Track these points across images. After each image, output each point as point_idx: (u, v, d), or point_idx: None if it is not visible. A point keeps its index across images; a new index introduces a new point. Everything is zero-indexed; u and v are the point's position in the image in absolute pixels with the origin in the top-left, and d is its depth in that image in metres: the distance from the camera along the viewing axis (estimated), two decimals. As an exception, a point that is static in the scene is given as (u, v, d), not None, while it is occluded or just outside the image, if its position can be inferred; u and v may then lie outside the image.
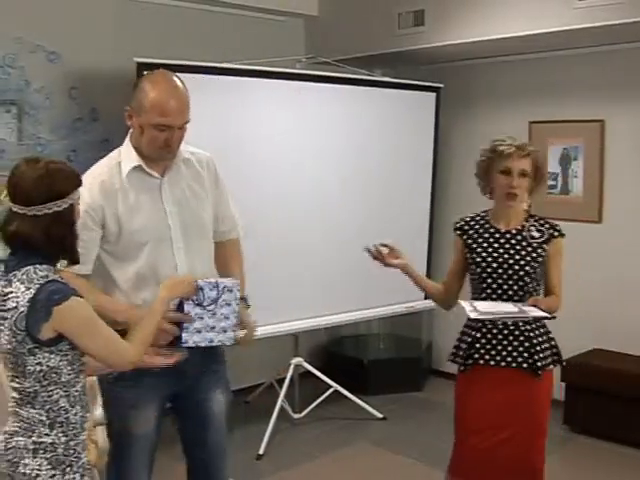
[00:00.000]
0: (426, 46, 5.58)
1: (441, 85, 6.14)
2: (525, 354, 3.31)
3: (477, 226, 3.46)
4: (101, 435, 3.70)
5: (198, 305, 2.84)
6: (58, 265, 2.70)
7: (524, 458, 3.35)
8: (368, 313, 5.90)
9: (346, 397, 5.79)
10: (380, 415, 5.76)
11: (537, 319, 3.26)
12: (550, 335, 3.42)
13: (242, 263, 3.23)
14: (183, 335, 2.85)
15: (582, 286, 5.73)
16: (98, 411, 3.71)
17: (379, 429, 5.62)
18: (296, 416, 5.67)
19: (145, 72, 4.53)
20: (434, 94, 6.14)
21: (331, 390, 5.75)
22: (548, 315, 3.18)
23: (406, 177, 5.95)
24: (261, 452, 5.09)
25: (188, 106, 2.87)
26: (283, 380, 5.56)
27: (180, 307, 2.85)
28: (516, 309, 3.20)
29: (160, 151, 2.86)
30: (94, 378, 3.98)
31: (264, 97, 5.20)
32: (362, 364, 6.40)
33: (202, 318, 2.86)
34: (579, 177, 5.73)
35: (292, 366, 5.66)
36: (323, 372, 5.85)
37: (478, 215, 3.51)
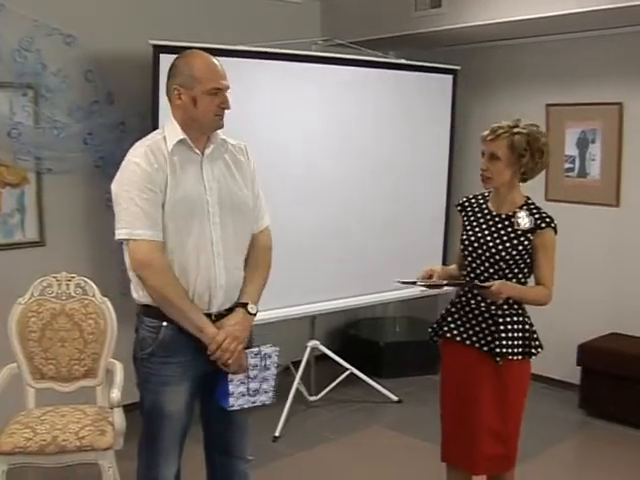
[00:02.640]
0: (443, 28, 5.54)
1: (458, 67, 6.10)
2: (488, 337, 3.32)
3: (475, 205, 3.50)
4: (118, 417, 3.74)
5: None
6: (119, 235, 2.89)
7: (495, 438, 3.38)
8: (384, 296, 5.90)
9: (362, 380, 5.81)
10: (396, 398, 5.78)
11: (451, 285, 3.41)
12: (526, 326, 3.36)
13: (267, 268, 3.23)
14: (230, 400, 3.04)
15: (599, 270, 5.72)
16: (114, 393, 3.75)
17: (394, 412, 5.64)
18: (312, 398, 5.69)
19: (161, 54, 4.58)
20: (451, 76, 6.11)
21: (347, 373, 5.77)
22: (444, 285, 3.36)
23: (423, 160, 5.92)
24: (277, 434, 5.11)
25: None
26: (299, 362, 5.58)
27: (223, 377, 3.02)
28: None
29: (215, 118, 2.98)
30: (114, 362, 4.02)
31: (280, 80, 5.18)
32: (378, 347, 6.41)
33: (244, 383, 3.05)
34: (597, 160, 5.69)
35: (308, 348, 5.67)
36: (339, 355, 5.87)
37: (480, 194, 3.54)
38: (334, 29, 6.03)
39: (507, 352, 3.28)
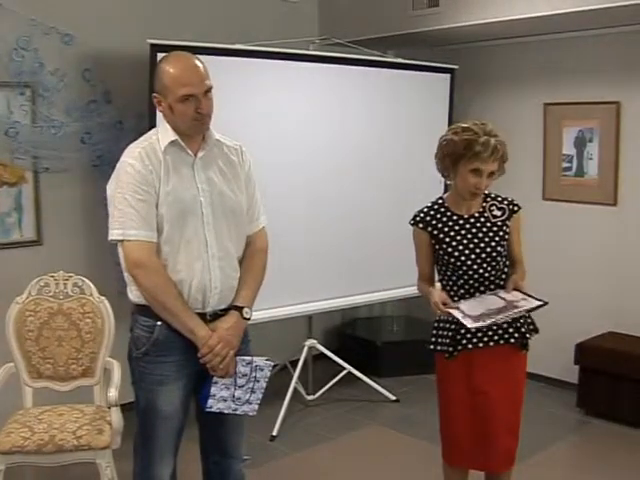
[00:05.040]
0: (440, 27, 5.53)
1: (456, 66, 6.09)
2: (510, 329, 3.36)
3: (438, 215, 3.42)
4: (115, 416, 3.74)
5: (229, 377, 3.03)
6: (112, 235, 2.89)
7: (509, 431, 3.42)
8: (382, 295, 5.90)
9: (359, 379, 5.81)
10: (393, 397, 5.78)
11: (531, 310, 3.28)
12: None
13: (262, 270, 3.22)
14: (209, 401, 3.03)
15: (596, 269, 5.72)
16: (112, 392, 3.75)
17: (392, 411, 5.64)
18: (309, 398, 5.69)
19: (158, 53, 4.56)
20: (448, 75, 6.10)
21: (344, 372, 5.77)
22: (540, 303, 3.23)
23: (420, 160, 5.90)
24: (275, 433, 5.11)
25: (206, 73, 2.96)
26: (297, 362, 5.58)
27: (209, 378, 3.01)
28: (502, 302, 3.24)
29: (194, 123, 2.94)
30: (111, 361, 4.02)
31: (277, 79, 5.18)
32: (376, 346, 6.41)
33: (229, 389, 3.04)
34: (594, 159, 5.69)
35: (306, 348, 5.67)
36: (337, 354, 5.87)
37: (435, 204, 3.46)
38: (332, 28, 6.03)
39: (529, 336, 3.40)
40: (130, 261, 2.92)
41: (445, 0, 5.47)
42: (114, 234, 2.92)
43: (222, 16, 5.59)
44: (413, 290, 5.67)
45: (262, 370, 3.08)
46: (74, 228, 5.12)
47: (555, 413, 5.49)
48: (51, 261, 4.58)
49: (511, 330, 3.36)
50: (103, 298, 4.11)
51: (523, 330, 3.38)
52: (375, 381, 5.86)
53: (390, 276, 5.78)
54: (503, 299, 3.26)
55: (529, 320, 3.45)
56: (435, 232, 3.40)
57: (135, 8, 5.21)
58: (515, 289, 3.30)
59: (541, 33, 5.66)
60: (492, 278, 3.36)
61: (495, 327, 3.34)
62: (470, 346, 3.35)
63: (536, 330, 3.47)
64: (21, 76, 4.74)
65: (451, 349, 3.37)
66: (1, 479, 3.59)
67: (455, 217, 3.40)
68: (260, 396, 3.11)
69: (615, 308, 5.65)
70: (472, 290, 3.37)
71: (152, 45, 4.63)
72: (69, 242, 5.08)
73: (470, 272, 3.34)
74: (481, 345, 3.36)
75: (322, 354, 5.81)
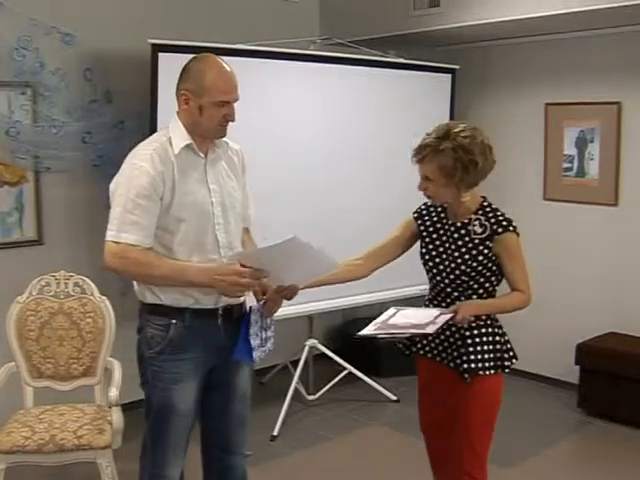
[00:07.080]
0: (441, 27, 5.53)
1: (457, 66, 6.10)
2: (454, 353, 3.15)
3: (433, 214, 3.28)
4: (116, 416, 3.74)
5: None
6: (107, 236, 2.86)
7: (457, 458, 3.22)
8: (383, 295, 5.89)
9: (360, 379, 5.82)
10: (394, 397, 5.78)
11: (424, 335, 3.14)
12: (497, 337, 3.15)
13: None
14: (254, 354, 3.06)
15: (598, 269, 5.72)
16: (112, 392, 3.75)
17: (392, 411, 5.64)
18: (310, 398, 5.69)
19: (160, 53, 4.58)
20: (450, 75, 6.10)
21: (345, 372, 5.78)
22: (431, 332, 3.00)
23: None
24: (275, 433, 5.11)
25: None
26: (297, 362, 5.58)
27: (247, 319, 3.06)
28: (432, 317, 3.02)
29: (218, 128, 3.00)
30: (112, 360, 4.02)
31: (278, 79, 5.18)
32: (376, 346, 6.39)
33: (258, 335, 3.11)
34: (595, 160, 5.69)
35: (307, 348, 5.68)
36: (337, 354, 5.88)
37: (439, 204, 3.27)
38: (333, 28, 6.03)
39: (476, 367, 3.10)
40: (107, 255, 2.89)
41: (446, 0, 5.47)
42: (109, 235, 2.90)
43: (222, 16, 5.59)
44: (413, 290, 5.71)
45: (259, 310, 3.13)
46: (75, 228, 5.12)
47: (556, 413, 5.49)
48: (52, 261, 4.58)
49: (455, 355, 3.15)
50: (104, 298, 4.12)
51: (464, 359, 3.10)
52: (375, 381, 5.86)
53: (390, 276, 5.75)
54: (436, 315, 3.03)
55: (499, 355, 3.14)
56: (422, 228, 3.29)
57: (136, 8, 5.20)
58: (454, 312, 3.01)
59: (542, 33, 5.66)
60: (456, 293, 3.16)
61: (446, 344, 3.19)
62: (422, 352, 3.33)
63: (503, 368, 3.15)
64: (22, 76, 4.74)
65: (405, 348, 3.45)
66: (2, 478, 3.59)
67: (444, 221, 3.23)
68: (272, 328, 3.24)
69: (615, 308, 5.65)
70: (439, 298, 3.24)
71: (153, 45, 4.64)
72: (70, 242, 5.08)
73: (435, 280, 3.22)
74: (429, 356, 3.29)
75: (323, 354, 5.82)
